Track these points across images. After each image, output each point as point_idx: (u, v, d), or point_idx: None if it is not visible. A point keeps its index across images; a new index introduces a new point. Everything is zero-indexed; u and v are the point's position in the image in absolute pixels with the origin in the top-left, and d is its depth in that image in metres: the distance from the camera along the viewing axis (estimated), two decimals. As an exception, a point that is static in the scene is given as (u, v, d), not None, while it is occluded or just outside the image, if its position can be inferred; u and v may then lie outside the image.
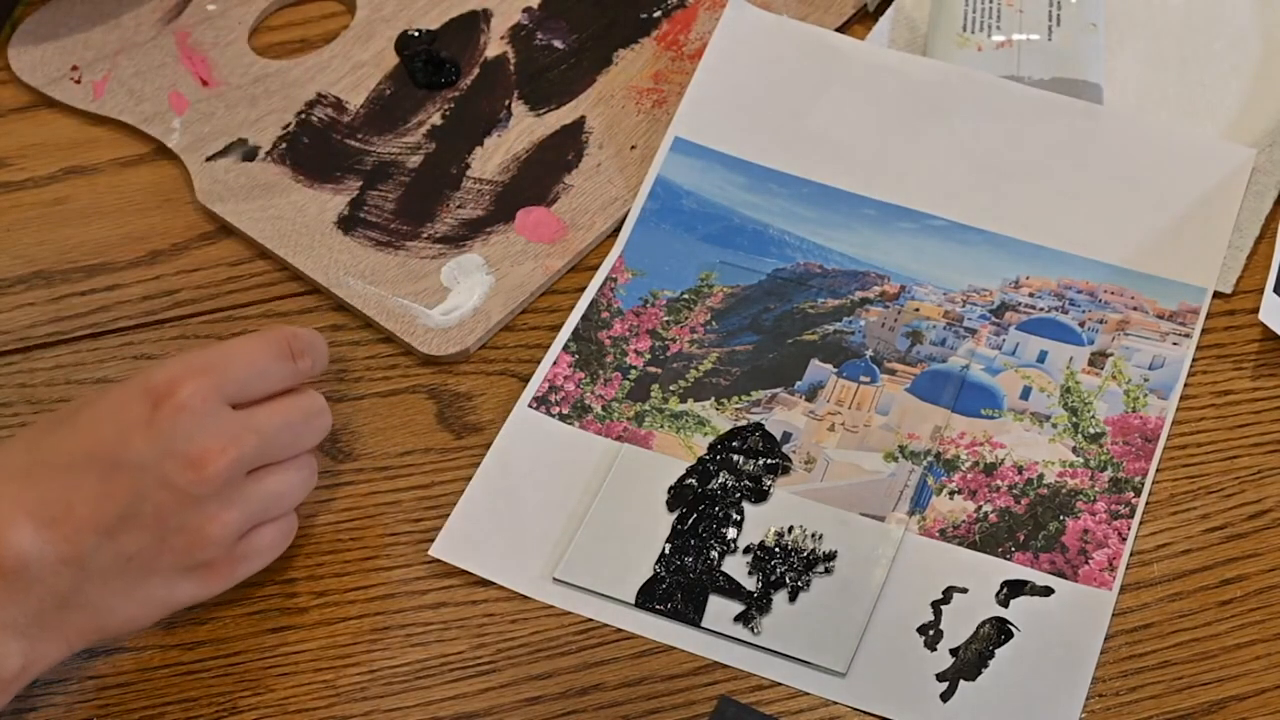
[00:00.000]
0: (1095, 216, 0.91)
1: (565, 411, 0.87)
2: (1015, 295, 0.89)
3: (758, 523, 0.83)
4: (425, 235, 0.94)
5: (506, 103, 0.99)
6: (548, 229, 0.94)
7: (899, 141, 0.94)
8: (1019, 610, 0.79)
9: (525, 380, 0.88)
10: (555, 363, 0.88)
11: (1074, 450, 0.84)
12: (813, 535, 0.82)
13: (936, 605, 0.80)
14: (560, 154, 0.97)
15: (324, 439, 0.80)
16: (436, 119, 0.98)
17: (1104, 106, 0.94)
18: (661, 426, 0.86)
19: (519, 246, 0.93)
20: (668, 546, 0.82)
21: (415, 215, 0.94)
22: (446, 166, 0.97)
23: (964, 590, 0.80)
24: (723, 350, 0.89)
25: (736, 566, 0.82)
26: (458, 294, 0.91)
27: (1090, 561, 0.81)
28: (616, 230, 0.93)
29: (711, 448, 0.85)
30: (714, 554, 0.82)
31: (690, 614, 0.80)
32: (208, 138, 0.98)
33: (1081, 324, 0.88)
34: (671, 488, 0.84)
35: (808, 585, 0.81)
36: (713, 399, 0.87)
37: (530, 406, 0.87)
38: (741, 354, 0.88)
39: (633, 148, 0.96)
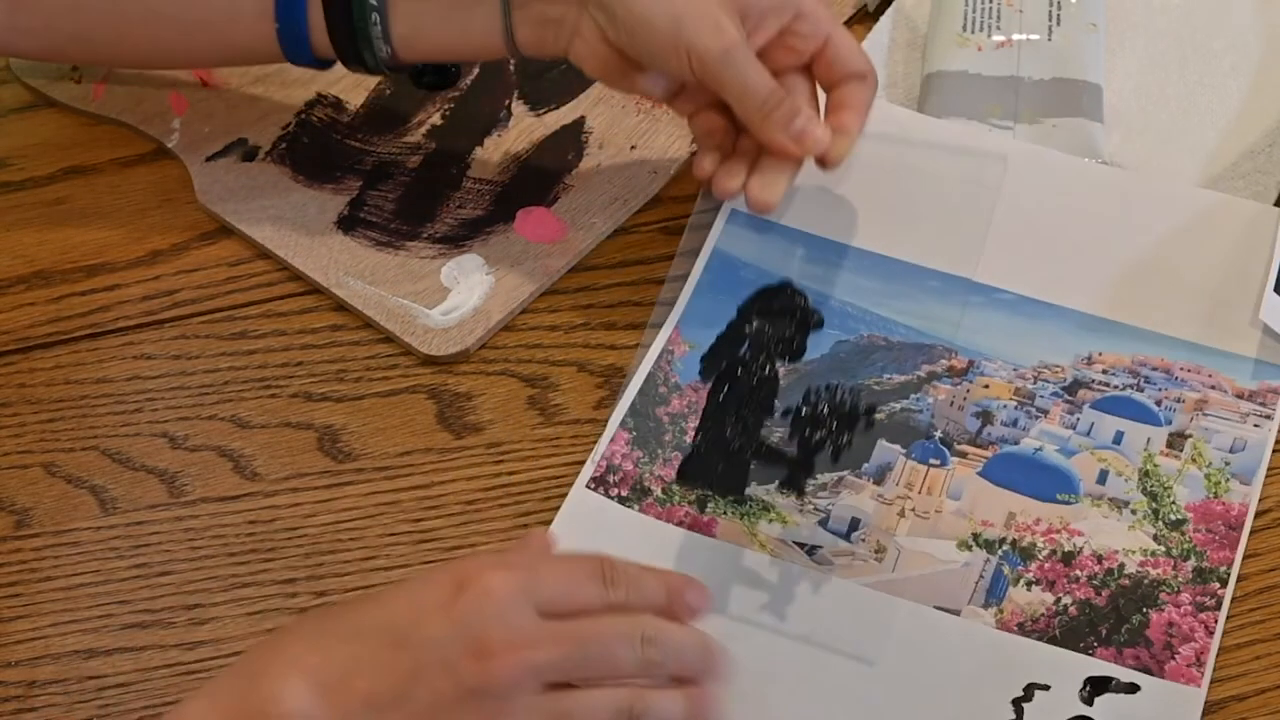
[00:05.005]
0: (1167, 291, 0.88)
1: (625, 494, 0.84)
2: (1088, 372, 0.86)
3: (793, 383, 0.82)
4: (425, 235, 0.94)
5: (506, 103, 0.99)
6: (548, 229, 0.94)
7: (962, 215, 0.91)
8: (1105, 708, 0.77)
9: (525, 380, 0.88)
10: (613, 440, 0.85)
11: (1155, 538, 0.81)
12: (845, 389, 0.81)
13: (1018, 703, 0.77)
14: (560, 154, 0.97)
15: (661, 669, 0.71)
16: (436, 119, 0.98)
17: (1174, 184, 0.92)
18: (725, 513, 0.83)
19: (519, 246, 0.93)
20: (706, 414, 0.81)
21: (415, 215, 0.94)
22: (446, 166, 0.97)
23: (1046, 687, 0.77)
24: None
25: (776, 431, 0.81)
26: (458, 294, 0.91)
27: (1177, 656, 0.78)
28: (618, 230, 0.94)
29: (740, 310, 0.83)
30: (752, 421, 0.80)
31: (731, 485, 0.81)
32: (208, 138, 0.98)
33: (1158, 403, 0.85)
34: (704, 356, 0.83)
35: (849, 444, 0.80)
36: (777, 483, 0.84)
37: (588, 487, 0.84)
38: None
39: (633, 148, 0.96)
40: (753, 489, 0.80)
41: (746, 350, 0.81)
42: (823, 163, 0.86)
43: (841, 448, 0.80)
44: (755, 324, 0.82)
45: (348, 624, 0.70)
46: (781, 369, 0.81)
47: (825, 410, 0.80)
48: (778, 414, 0.81)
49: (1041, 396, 0.86)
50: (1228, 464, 0.83)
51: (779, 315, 0.82)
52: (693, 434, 0.85)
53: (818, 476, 0.81)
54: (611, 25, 0.84)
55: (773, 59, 0.86)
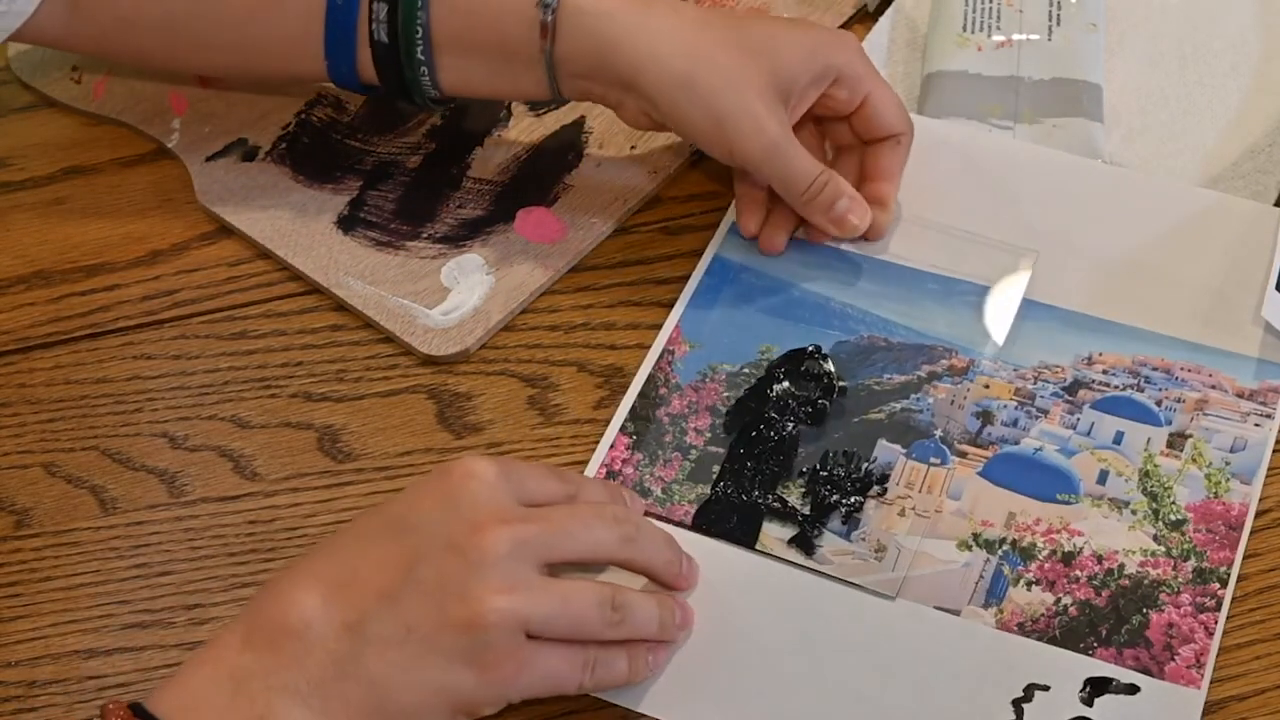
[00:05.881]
0: (1168, 290, 0.88)
1: None
2: (1089, 372, 0.86)
3: (812, 446, 0.83)
4: (425, 235, 0.94)
5: (507, 103, 0.99)
6: (548, 229, 0.94)
7: (962, 216, 0.91)
8: (1104, 709, 0.76)
9: (525, 380, 0.89)
10: (613, 446, 0.86)
11: (1155, 538, 0.81)
12: (863, 458, 0.82)
13: (1018, 703, 0.77)
14: (560, 154, 0.97)
15: (624, 551, 0.76)
16: (436, 119, 0.98)
17: (1174, 184, 0.92)
18: None
19: (519, 246, 0.93)
20: (725, 468, 0.83)
21: (415, 215, 0.94)
22: (446, 166, 0.97)
23: (1045, 688, 0.77)
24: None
25: (791, 490, 0.82)
26: (458, 294, 0.91)
27: (1177, 658, 0.77)
28: (618, 230, 0.94)
29: (768, 368, 0.85)
30: (769, 476, 0.82)
31: (744, 537, 0.81)
32: (208, 138, 0.98)
33: (1158, 403, 0.85)
34: (729, 410, 0.85)
35: (860, 507, 0.82)
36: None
37: None
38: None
39: (633, 148, 0.96)
40: (763, 544, 0.81)
41: (770, 409, 0.83)
42: (864, 238, 0.91)
43: (852, 512, 0.81)
44: (781, 384, 0.84)
45: (353, 531, 0.75)
46: (802, 431, 0.84)
47: (840, 475, 0.82)
48: (795, 473, 0.82)
49: (1041, 396, 0.86)
50: (1228, 464, 0.83)
51: (804, 379, 0.83)
52: (694, 435, 0.86)
53: (826, 538, 0.82)
54: (655, 112, 0.88)
55: (813, 114, 0.91)
